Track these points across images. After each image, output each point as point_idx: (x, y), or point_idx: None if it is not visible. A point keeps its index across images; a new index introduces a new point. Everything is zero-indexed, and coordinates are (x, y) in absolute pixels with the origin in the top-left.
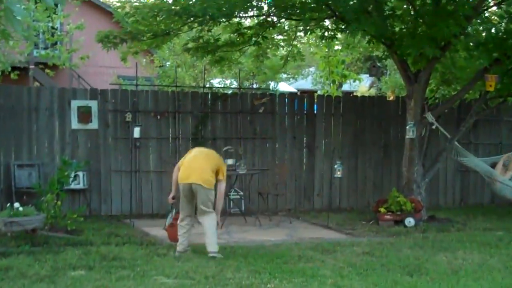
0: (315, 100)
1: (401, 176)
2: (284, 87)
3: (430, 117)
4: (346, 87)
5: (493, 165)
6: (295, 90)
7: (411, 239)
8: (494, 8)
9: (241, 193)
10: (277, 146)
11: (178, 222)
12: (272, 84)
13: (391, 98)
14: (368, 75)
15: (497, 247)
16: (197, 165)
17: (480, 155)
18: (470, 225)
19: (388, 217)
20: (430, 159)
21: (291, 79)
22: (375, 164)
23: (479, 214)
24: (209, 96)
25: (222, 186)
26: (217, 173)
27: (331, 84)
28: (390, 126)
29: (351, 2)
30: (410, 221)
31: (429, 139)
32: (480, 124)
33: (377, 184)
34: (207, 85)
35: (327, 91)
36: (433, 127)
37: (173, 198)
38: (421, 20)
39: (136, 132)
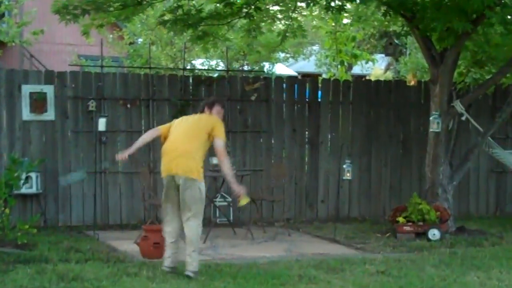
0: (320, 85)
1: (424, 178)
2: (282, 69)
3: (459, 106)
4: (357, 69)
5: None
6: (295, 73)
7: (435, 255)
8: None
9: (230, 199)
10: (273, 141)
11: (163, 228)
12: (267, 66)
13: (412, 82)
14: (383, 55)
15: None
16: (181, 148)
17: None
18: (508, 238)
19: (407, 228)
20: (458, 157)
21: (290, 59)
22: (392, 163)
23: None
24: (190, 80)
25: (218, 142)
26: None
27: (339, 66)
28: (410, 117)
29: None
30: (434, 234)
31: (458, 133)
32: None
33: (395, 188)
34: (188, 67)
35: (334, 74)
36: (463, 118)
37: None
38: None
39: (102, 124)
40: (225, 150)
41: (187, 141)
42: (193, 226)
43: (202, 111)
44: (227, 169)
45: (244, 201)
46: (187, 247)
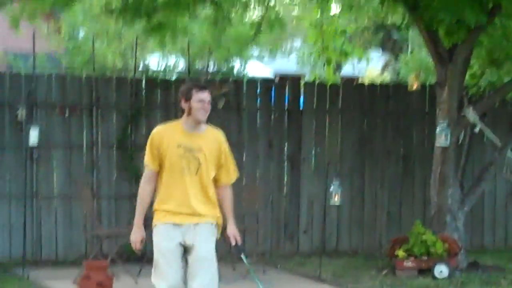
0: (302, 90)
1: (429, 203)
2: (256, 69)
3: (471, 114)
4: (347, 70)
5: None
6: (272, 74)
7: None
8: None
9: None
10: (244, 157)
11: None
12: (237, 65)
13: (414, 86)
14: (380, 52)
15: None
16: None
17: None
18: None
19: (409, 264)
20: (471, 178)
21: (266, 57)
22: (390, 185)
23: None
24: (144, 83)
25: (230, 189)
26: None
27: (325, 66)
28: (412, 128)
29: None
30: (441, 270)
31: (470, 147)
32: None
33: (394, 215)
34: (140, 67)
35: (320, 76)
36: (476, 130)
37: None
38: None
39: (33, 137)
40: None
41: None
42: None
43: (181, 110)
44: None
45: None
46: None
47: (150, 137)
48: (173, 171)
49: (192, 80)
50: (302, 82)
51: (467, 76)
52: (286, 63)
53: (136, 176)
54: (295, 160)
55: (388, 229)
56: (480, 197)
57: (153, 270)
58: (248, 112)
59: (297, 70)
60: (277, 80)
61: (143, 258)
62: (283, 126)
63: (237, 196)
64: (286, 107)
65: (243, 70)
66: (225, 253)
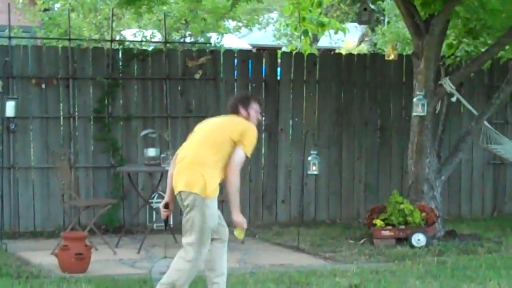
0: (279, 61)
1: (406, 173)
2: (233, 41)
3: (448, 84)
4: (324, 41)
5: None
6: (249, 46)
7: (420, 265)
8: None
9: None
10: None
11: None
12: (214, 37)
13: (391, 57)
14: (357, 24)
15: None
16: (191, 156)
17: None
18: (507, 244)
19: (386, 233)
20: (448, 147)
21: (242, 29)
22: (367, 155)
23: None
24: (120, 55)
25: (238, 153)
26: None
27: (302, 37)
28: (389, 98)
29: None
30: (419, 239)
31: (447, 117)
32: None
33: (371, 185)
34: (117, 38)
35: (296, 48)
36: (453, 99)
37: (165, 206)
38: None
39: (10, 108)
40: (241, 164)
41: (202, 148)
42: (182, 261)
43: (234, 112)
44: (234, 190)
45: (240, 234)
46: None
47: (256, 132)
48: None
49: (252, 95)
50: (279, 54)
51: (443, 47)
52: (263, 35)
53: (113, 147)
54: (273, 131)
55: (365, 199)
56: (457, 167)
57: (198, 237)
58: (225, 83)
59: (274, 42)
60: (254, 51)
61: (121, 229)
62: (260, 97)
63: None
64: (263, 79)
65: (220, 42)
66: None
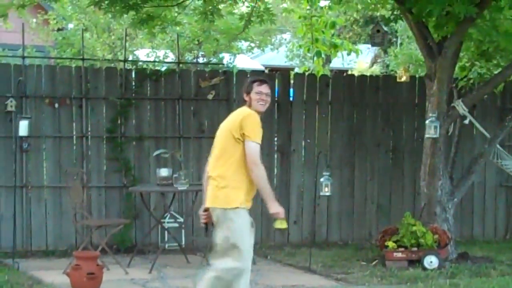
0: (292, 82)
1: (418, 195)
2: (245, 61)
3: (461, 106)
4: (337, 62)
5: None
6: (261, 67)
7: (433, 287)
8: None
9: (181, 220)
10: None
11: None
12: (227, 58)
13: (404, 78)
14: (369, 45)
15: None
16: (210, 171)
17: None
18: None
19: (399, 255)
20: (461, 169)
21: (255, 50)
22: (380, 176)
23: None
24: (133, 75)
25: (248, 145)
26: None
27: (315, 58)
28: (402, 120)
29: None
30: (431, 261)
31: (460, 139)
32: None
33: (384, 206)
34: (130, 59)
35: (309, 69)
36: (466, 122)
37: (205, 210)
38: None
39: (23, 127)
40: (258, 156)
41: (216, 159)
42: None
43: (244, 102)
44: (261, 183)
45: (281, 224)
46: None
47: (256, 115)
48: None
49: (253, 76)
50: (291, 74)
51: (456, 69)
52: (276, 56)
53: (126, 167)
54: (285, 152)
55: (378, 220)
56: (469, 189)
57: (241, 252)
58: (238, 103)
59: (286, 62)
60: (266, 72)
61: (133, 248)
62: (273, 118)
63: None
64: (276, 99)
65: (232, 63)
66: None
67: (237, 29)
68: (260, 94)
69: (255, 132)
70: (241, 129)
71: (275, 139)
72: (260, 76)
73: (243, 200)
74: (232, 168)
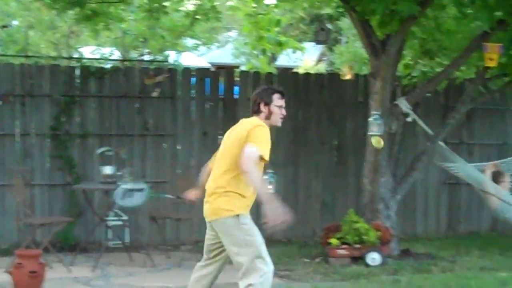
0: (237, 79)
1: (362, 192)
2: (191, 59)
3: (404, 104)
4: (282, 60)
5: None
6: (207, 65)
7: (375, 283)
8: None
9: (125, 218)
10: (179, 147)
11: None
12: (172, 55)
13: (348, 76)
14: (314, 43)
15: None
16: (211, 181)
17: (476, 161)
18: (461, 263)
19: (342, 252)
20: (404, 166)
21: (201, 47)
22: (324, 174)
23: (474, 247)
24: (77, 72)
25: (245, 151)
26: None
27: (261, 56)
28: (346, 117)
29: None
30: (374, 258)
31: (403, 137)
32: (476, 116)
33: (328, 204)
34: (75, 56)
35: (255, 66)
36: (409, 119)
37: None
38: None
39: None
40: (255, 160)
41: (219, 170)
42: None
43: (255, 111)
44: (257, 184)
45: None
46: None
47: (267, 130)
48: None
49: (272, 87)
50: (237, 72)
51: (400, 67)
52: (222, 53)
53: (69, 165)
54: None
55: (322, 217)
56: (412, 186)
57: (255, 257)
58: (183, 101)
59: (232, 60)
60: (212, 70)
61: (76, 247)
62: (217, 116)
63: (171, 186)
64: (221, 97)
65: (178, 60)
66: (160, 241)
67: (183, 27)
68: (281, 108)
69: (261, 143)
70: (247, 137)
71: (220, 137)
72: (279, 87)
73: (240, 207)
74: (235, 176)
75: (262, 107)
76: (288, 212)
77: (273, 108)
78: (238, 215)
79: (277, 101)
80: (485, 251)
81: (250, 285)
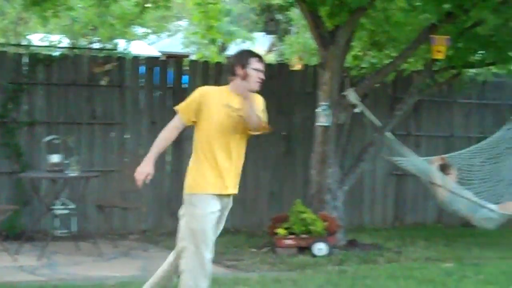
0: (186, 69)
1: (310, 182)
2: (141, 48)
3: (352, 95)
4: (233, 50)
5: None
6: (157, 53)
7: (322, 274)
8: None
9: (72, 207)
10: (127, 135)
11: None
12: (122, 44)
13: (297, 67)
14: (264, 33)
15: (443, 285)
16: None
17: (423, 153)
18: (407, 254)
19: (289, 242)
20: (352, 157)
21: (152, 36)
22: (272, 164)
23: (419, 237)
24: (25, 60)
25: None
26: None
27: (211, 46)
28: (294, 108)
29: None
30: (321, 248)
31: (351, 128)
32: (424, 108)
33: (276, 194)
34: (23, 43)
35: (204, 56)
36: (357, 110)
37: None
38: None
39: None
40: (169, 125)
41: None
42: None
43: (232, 75)
44: (156, 139)
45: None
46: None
47: (196, 91)
48: (218, 131)
49: (250, 50)
50: (186, 61)
51: (349, 58)
52: (172, 43)
53: (16, 153)
54: (178, 139)
55: (270, 208)
56: (359, 177)
57: (191, 241)
58: (131, 90)
59: (183, 50)
60: (161, 58)
61: (22, 235)
62: (166, 105)
63: (119, 174)
64: (170, 86)
65: (127, 49)
66: (107, 230)
67: (133, 15)
68: (258, 72)
69: (183, 103)
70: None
71: None
72: (257, 52)
73: (204, 184)
74: (197, 150)
75: (238, 70)
76: (147, 174)
77: (250, 70)
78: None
79: (254, 64)
80: (431, 242)
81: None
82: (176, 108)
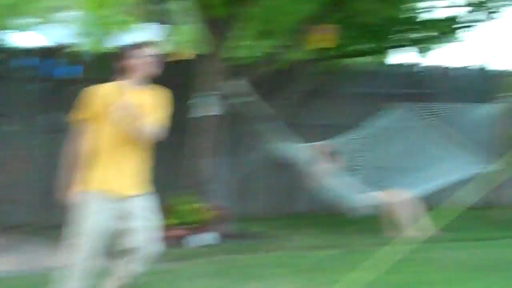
0: (76, 59)
1: (197, 172)
2: (28, 38)
3: (238, 85)
4: (126, 40)
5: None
6: (47, 44)
7: (211, 264)
8: None
9: None
10: (10, 127)
11: None
12: (8, 34)
13: (182, 57)
14: (158, 23)
15: (324, 270)
16: None
17: (310, 141)
18: (296, 243)
19: (177, 232)
20: (239, 147)
21: (38, 26)
22: (157, 154)
23: (308, 226)
24: None
25: None
26: None
27: (101, 36)
28: (179, 98)
29: None
30: (210, 238)
31: (237, 118)
32: (310, 97)
33: (162, 184)
34: None
35: (95, 46)
36: (243, 100)
37: None
38: None
39: None
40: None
41: None
42: None
43: None
44: None
45: None
46: None
47: (84, 92)
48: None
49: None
50: (74, 52)
51: (236, 48)
52: (62, 33)
53: None
54: (65, 130)
55: (157, 198)
56: (247, 166)
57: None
58: (16, 81)
59: (73, 40)
60: (47, 49)
61: None
62: (52, 96)
63: (4, 167)
64: (56, 77)
65: (11, 39)
66: None
67: (21, 2)
68: (149, 57)
69: None
70: None
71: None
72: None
73: (97, 182)
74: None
75: (127, 60)
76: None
77: (138, 59)
78: None
79: (144, 51)
80: (318, 230)
81: None
82: (71, 119)
